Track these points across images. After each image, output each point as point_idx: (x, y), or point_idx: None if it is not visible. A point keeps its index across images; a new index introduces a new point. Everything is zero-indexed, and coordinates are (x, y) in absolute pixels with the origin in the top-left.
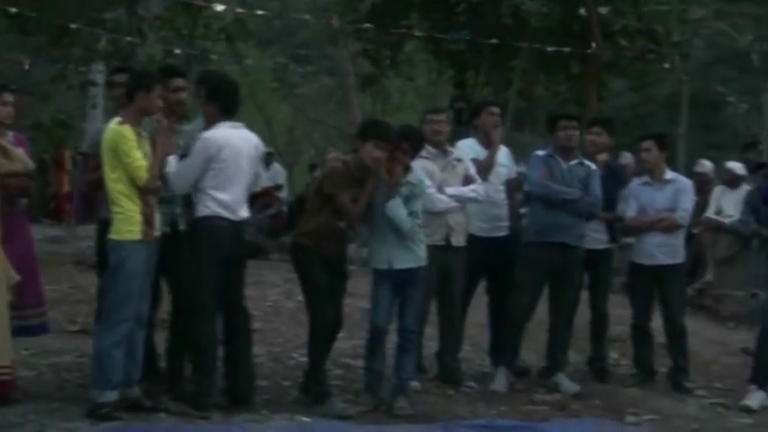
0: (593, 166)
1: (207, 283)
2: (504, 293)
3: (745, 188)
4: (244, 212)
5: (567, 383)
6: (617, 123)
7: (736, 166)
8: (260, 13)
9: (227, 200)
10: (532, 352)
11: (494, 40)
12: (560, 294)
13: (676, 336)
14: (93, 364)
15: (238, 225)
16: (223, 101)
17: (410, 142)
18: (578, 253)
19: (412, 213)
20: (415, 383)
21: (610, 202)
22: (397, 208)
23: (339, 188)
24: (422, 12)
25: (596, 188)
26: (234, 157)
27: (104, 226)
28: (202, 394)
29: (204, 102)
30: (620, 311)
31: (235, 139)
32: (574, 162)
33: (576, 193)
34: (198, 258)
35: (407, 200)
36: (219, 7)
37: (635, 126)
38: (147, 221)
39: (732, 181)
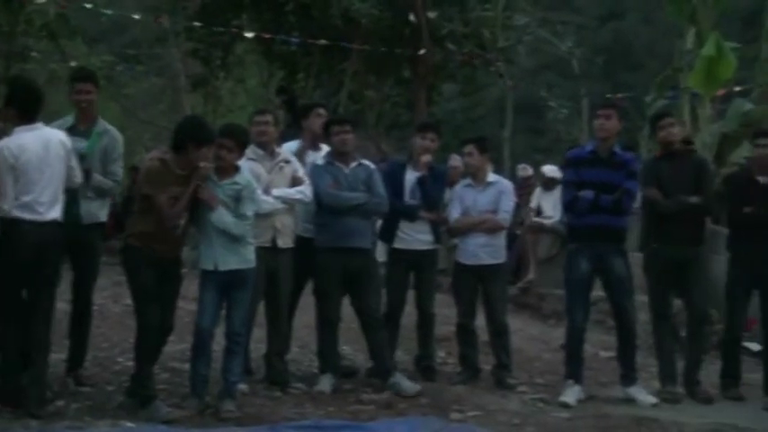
0: (373, 166)
1: (8, 286)
2: None
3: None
4: (53, 213)
5: (406, 384)
6: (449, 126)
7: (549, 170)
8: (87, 6)
9: (29, 200)
10: (360, 353)
11: (324, 42)
12: (361, 297)
13: (499, 334)
14: None
15: (46, 226)
16: (20, 106)
17: (234, 139)
18: (371, 255)
19: (241, 216)
20: (242, 386)
21: (434, 203)
22: (221, 217)
23: (156, 187)
24: (252, 12)
25: (379, 188)
26: (34, 161)
27: None
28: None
29: (4, 106)
30: (447, 311)
31: (32, 141)
32: (354, 164)
33: (362, 197)
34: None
35: (237, 201)
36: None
37: (466, 129)
38: None
39: (548, 183)
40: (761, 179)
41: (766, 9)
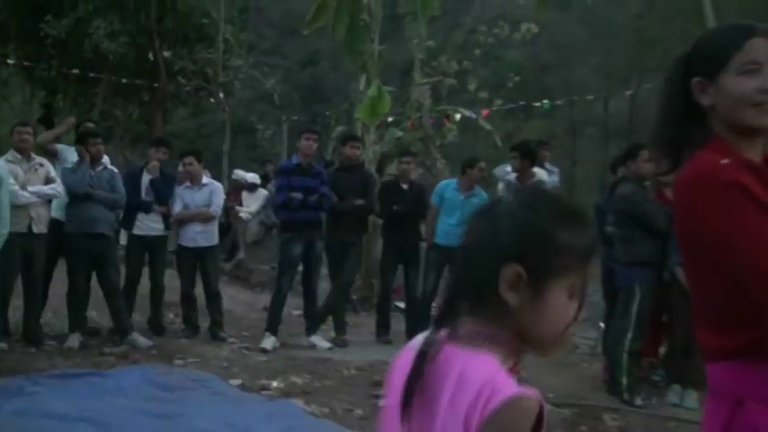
0: (116, 170)
1: None
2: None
3: (262, 192)
4: None
5: (141, 340)
6: (184, 140)
7: (251, 177)
8: None
9: None
10: (104, 316)
11: (77, 71)
12: (103, 274)
13: (213, 298)
14: None
15: None
16: None
17: None
18: (111, 239)
19: None
20: (1, 344)
21: (164, 199)
22: None
23: None
24: (17, 43)
25: (120, 187)
26: None
27: None
28: None
29: None
30: (174, 282)
31: None
32: (100, 168)
33: (116, 195)
34: None
35: None
36: None
37: (198, 143)
38: None
39: (250, 187)
40: (404, 185)
41: (415, 66)
